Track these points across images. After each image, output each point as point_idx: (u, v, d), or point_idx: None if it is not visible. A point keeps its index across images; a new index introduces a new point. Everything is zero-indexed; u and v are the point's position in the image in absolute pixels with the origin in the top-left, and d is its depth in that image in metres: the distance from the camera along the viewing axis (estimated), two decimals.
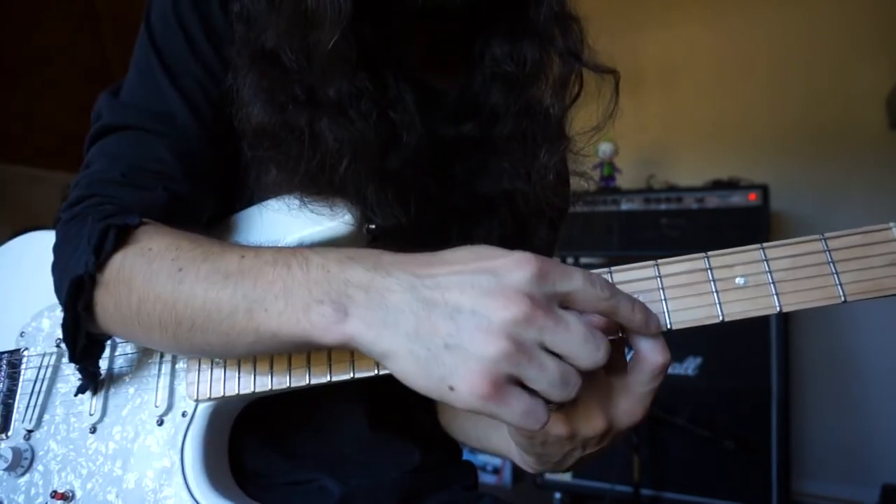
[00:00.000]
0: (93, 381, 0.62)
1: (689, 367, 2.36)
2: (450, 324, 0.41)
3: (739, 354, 2.28)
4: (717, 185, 2.49)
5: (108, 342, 0.64)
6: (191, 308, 0.51)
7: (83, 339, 0.58)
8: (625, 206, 2.57)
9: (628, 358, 0.50)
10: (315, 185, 0.60)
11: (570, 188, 0.79)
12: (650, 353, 0.47)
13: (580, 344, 0.41)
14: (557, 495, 2.61)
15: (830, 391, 2.73)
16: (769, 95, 2.89)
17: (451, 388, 0.40)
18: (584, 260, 2.63)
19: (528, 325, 0.40)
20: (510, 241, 0.69)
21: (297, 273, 0.47)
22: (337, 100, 0.58)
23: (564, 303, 0.43)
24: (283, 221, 0.62)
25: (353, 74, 0.59)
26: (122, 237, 0.55)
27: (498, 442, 0.67)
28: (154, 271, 0.53)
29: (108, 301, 0.55)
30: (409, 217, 0.62)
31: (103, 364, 0.64)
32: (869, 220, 0.50)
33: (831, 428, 2.71)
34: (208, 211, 0.66)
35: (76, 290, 0.55)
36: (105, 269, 0.55)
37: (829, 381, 2.72)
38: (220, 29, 0.64)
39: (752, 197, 2.37)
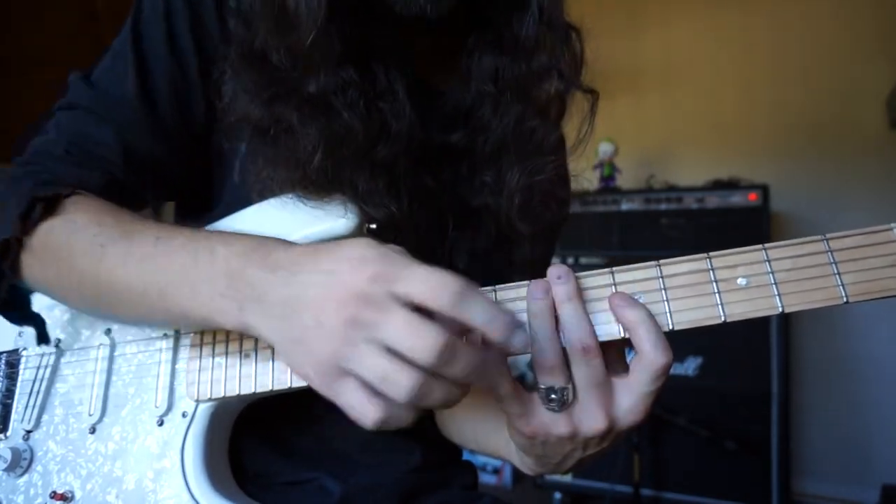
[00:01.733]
0: (36, 328, 0.66)
1: (690, 367, 2.36)
2: (299, 321, 0.45)
3: (740, 355, 2.28)
4: (717, 185, 2.49)
5: (108, 344, 0.64)
6: (109, 284, 0.55)
7: (4, 293, 0.62)
8: (625, 206, 2.57)
9: (629, 358, 0.50)
10: (305, 178, 0.60)
11: (564, 204, 0.78)
12: (652, 354, 0.47)
13: (406, 338, 0.41)
14: (557, 495, 2.61)
15: (830, 391, 2.73)
16: (769, 95, 2.89)
17: (306, 376, 0.46)
18: (584, 260, 2.62)
19: (355, 324, 0.43)
20: (491, 254, 0.70)
21: (203, 264, 0.51)
22: (319, 93, 0.60)
23: (412, 304, 0.43)
24: (283, 221, 0.61)
25: (337, 68, 0.60)
26: (51, 208, 0.59)
27: (497, 444, 0.67)
28: (77, 245, 0.57)
29: (34, 264, 0.60)
30: (401, 209, 0.62)
31: (103, 364, 0.64)
32: (870, 219, 0.49)
33: (831, 428, 2.71)
34: (148, 200, 0.69)
35: (3, 249, 0.59)
36: (33, 234, 0.59)
37: (830, 382, 2.72)
38: (210, 30, 0.65)
39: (752, 197, 2.37)
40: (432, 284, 0.42)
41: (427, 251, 0.65)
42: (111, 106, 0.65)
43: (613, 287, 0.51)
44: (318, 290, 0.44)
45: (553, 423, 0.50)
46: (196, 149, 0.69)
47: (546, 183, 0.69)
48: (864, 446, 2.66)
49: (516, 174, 0.68)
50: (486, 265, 0.70)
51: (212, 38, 0.65)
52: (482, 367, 0.44)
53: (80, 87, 0.67)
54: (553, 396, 0.50)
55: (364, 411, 0.44)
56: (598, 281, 0.52)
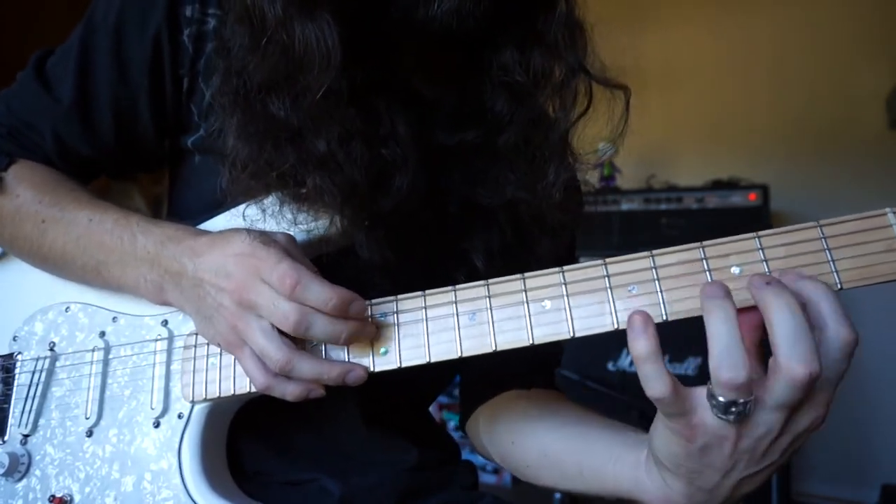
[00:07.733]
0: None
1: (689, 367, 2.35)
2: (205, 301, 0.55)
3: None
4: (717, 185, 2.49)
5: (103, 347, 0.64)
6: (52, 253, 0.64)
7: None
8: (625, 206, 2.56)
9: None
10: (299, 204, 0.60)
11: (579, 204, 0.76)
12: (842, 329, 0.42)
13: (271, 314, 0.51)
14: (557, 495, 2.60)
15: None
16: (769, 95, 2.89)
17: (218, 345, 0.57)
18: (584, 260, 2.62)
19: (244, 306, 0.52)
20: (511, 250, 0.68)
21: (128, 248, 0.60)
22: (326, 151, 0.57)
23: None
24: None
25: (344, 115, 0.57)
26: None
27: (616, 474, 0.57)
28: (22, 217, 0.65)
29: None
30: (398, 253, 0.61)
31: (98, 367, 0.64)
32: None
33: (831, 428, 2.67)
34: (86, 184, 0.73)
35: None
36: None
37: None
38: (160, 47, 0.64)
39: (752, 197, 2.36)
40: (278, 276, 0.50)
41: (437, 255, 0.66)
42: (50, 101, 0.67)
43: (607, 279, 0.50)
44: (214, 278, 0.54)
45: (719, 427, 0.44)
46: (140, 150, 0.71)
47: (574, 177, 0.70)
48: (864, 446, 2.66)
49: (553, 171, 0.66)
50: (505, 263, 0.68)
51: (157, 59, 0.64)
52: (340, 331, 0.51)
53: (33, 71, 0.69)
54: (733, 410, 0.42)
55: (254, 376, 0.54)
56: (589, 273, 0.51)
